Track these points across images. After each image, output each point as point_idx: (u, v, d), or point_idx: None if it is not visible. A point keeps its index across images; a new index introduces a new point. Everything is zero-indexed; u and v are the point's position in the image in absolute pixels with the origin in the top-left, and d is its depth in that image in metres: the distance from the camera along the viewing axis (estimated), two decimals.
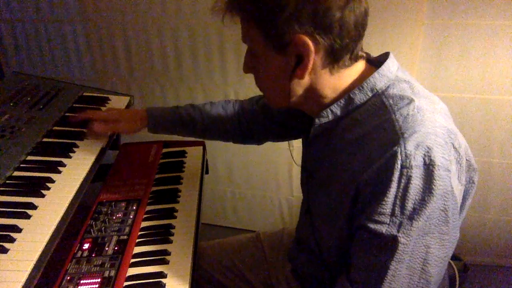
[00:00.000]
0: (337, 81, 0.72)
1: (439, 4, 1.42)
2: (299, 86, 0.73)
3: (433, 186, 0.62)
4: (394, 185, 0.62)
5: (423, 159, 0.62)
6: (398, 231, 0.64)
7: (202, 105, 1.12)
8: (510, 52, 1.44)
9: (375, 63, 0.76)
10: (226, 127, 1.10)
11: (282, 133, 1.09)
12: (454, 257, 0.92)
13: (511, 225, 1.73)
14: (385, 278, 0.66)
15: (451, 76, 1.52)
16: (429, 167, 0.62)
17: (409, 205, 0.63)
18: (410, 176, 0.62)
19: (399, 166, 0.62)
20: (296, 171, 1.86)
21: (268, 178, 1.92)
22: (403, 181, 0.62)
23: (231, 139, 1.14)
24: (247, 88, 1.69)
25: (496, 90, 1.51)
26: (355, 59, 0.72)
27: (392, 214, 0.64)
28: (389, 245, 0.65)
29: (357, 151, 0.69)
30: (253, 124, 1.09)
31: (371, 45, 1.49)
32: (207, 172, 1.30)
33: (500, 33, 1.41)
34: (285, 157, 1.83)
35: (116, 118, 1.09)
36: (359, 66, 0.74)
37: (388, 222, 0.64)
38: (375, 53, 0.79)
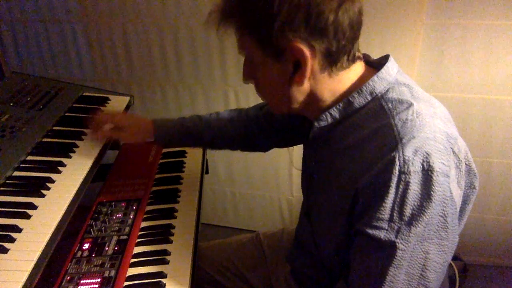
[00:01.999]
0: (336, 84, 0.72)
1: (439, 4, 1.42)
2: (299, 92, 0.72)
3: (432, 192, 0.61)
4: (392, 190, 0.62)
5: (422, 164, 0.61)
6: (396, 237, 0.63)
7: (208, 115, 1.10)
8: (510, 52, 1.44)
9: (375, 65, 0.75)
10: (233, 136, 1.09)
11: (286, 139, 1.09)
12: (454, 257, 0.92)
13: (511, 225, 1.74)
14: (384, 283, 0.66)
15: (451, 76, 1.52)
16: (427, 173, 0.61)
17: (408, 211, 0.62)
18: (408, 182, 0.61)
19: (397, 172, 0.61)
20: (296, 171, 1.86)
21: (268, 178, 1.92)
22: (401, 187, 0.62)
23: (239, 148, 1.13)
24: (247, 88, 1.69)
25: (496, 90, 1.50)
26: (352, 60, 0.71)
27: (391, 220, 0.63)
28: (388, 251, 0.65)
29: (356, 155, 0.69)
30: (259, 131, 1.08)
31: (371, 45, 1.49)
32: (207, 172, 1.29)
33: (500, 33, 1.41)
34: (285, 157, 1.83)
35: (123, 125, 1.07)
36: (358, 68, 0.73)
37: (386, 228, 0.64)
38: (374, 52, 0.79)
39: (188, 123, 1.08)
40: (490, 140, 1.59)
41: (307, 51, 0.65)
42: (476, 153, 1.60)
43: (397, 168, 0.61)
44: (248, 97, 1.74)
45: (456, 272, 0.90)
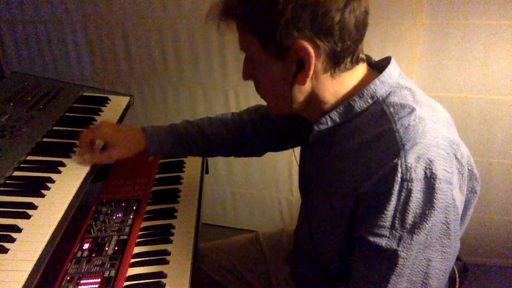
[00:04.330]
0: (338, 86, 0.71)
1: (439, 4, 1.42)
2: (301, 93, 0.71)
3: (435, 200, 0.61)
4: (394, 198, 0.61)
5: (424, 172, 0.61)
6: (398, 245, 0.63)
7: (200, 121, 1.06)
8: (510, 52, 1.44)
9: (377, 67, 0.74)
10: (228, 140, 1.06)
11: (282, 142, 1.08)
12: None
13: (511, 225, 1.74)
14: None
15: (451, 76, 1.52)
16: (430, 180, 0.60)
17: (410, 218, 0.61)
18: (411, 189, 0.60)
19: (399, 179, 0.61)
20: (296, 171, 1.85)
21: (268, 178, 1.92)
22: (403, 194, 0.61)
23: (233, 153, 1.11)
24: (247, 88, 1.69)
25: (496, 90, 1.51)
26: (356, 61, 0.70)
27: (392, 227, 0.62)
28: (389, 258, 0.64)
29: (357, 160, 0.68)
30: (254, 135, 1.06)
31: (371, 45, 1.49)
32: (207, 172, 1.29)
33: (500, 33, 1.41)
34: (285, 157, 1.83)
35: (113, 140, 0.99)
36: (360, 70, 0.72)
37: (387, 235, 0.63)
38: (374, 53, 0.79)
39: (180, 129, 1.04)
40: (490, 140, 1.59)
41: (311, 51, 0.64)
42: (476, 153, 1.60)
43: (399, 175, 0.61)
44: (248, 97, 1.73)
45: (456, 272, 0.89)
